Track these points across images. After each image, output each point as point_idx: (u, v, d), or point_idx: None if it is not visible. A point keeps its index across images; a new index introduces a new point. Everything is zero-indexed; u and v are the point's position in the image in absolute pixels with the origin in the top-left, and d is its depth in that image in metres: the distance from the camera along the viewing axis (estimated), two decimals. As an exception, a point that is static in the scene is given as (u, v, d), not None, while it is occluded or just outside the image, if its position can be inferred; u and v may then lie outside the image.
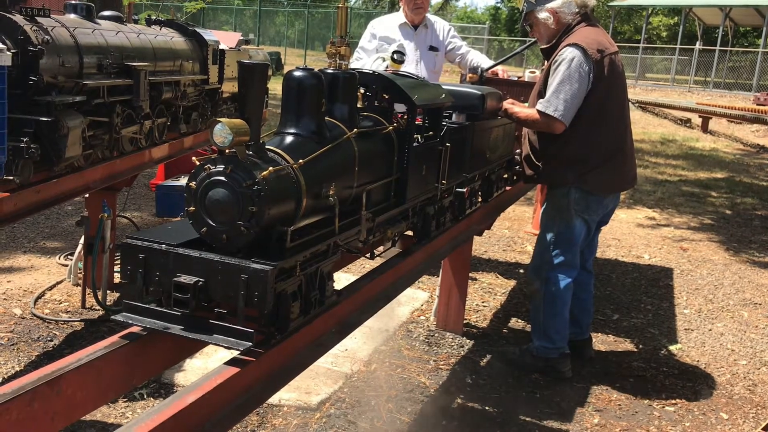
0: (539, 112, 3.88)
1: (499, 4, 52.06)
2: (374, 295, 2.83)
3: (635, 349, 4.71)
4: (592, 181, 4.00)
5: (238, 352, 1.97)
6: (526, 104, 4.22)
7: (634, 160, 4.28)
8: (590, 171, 3.97)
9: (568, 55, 3.83)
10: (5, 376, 3.66)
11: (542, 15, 4.00)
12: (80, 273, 4.85)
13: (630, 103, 4.21)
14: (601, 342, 4.73)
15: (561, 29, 4.00)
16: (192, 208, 2.03)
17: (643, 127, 17.89)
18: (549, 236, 4.14)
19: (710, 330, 5.16)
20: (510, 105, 4.08)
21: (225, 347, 1.94)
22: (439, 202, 3.34)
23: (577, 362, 4.32)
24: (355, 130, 2.50)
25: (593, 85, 3.86)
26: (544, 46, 4.09)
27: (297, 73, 2.32)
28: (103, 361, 1.89)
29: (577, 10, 3.97)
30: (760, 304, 5.79)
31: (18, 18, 3.49)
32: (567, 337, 4.21)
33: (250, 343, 1.94)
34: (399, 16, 5.27)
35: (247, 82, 2.05)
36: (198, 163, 2.04)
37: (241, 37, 8.69)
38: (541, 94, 3.98)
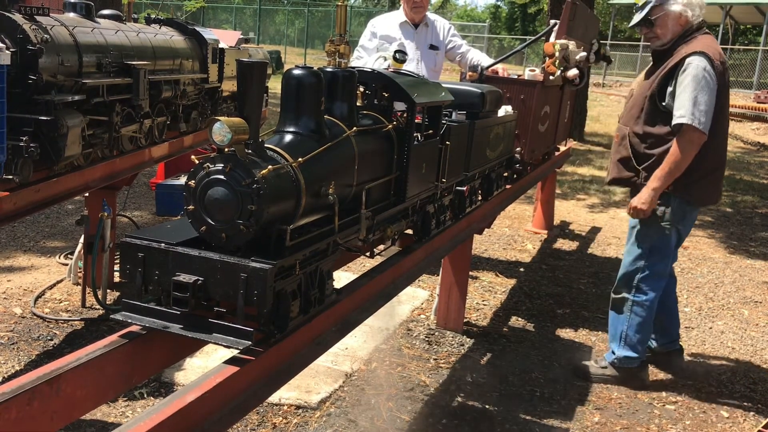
0: (684, 125, 3.70)
1: (499, 3, 52.04)
2: (374, 294, 2.83)
3: (636, 348, 4.71)
4: (695, 193, 3.92)
5: (238, 351, 1.96)
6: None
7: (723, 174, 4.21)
8: (693, 182, 3.88)
9: (698, 63, 3.71)
10: (5, 375, 3.66)
11: (676, 8, 3.86)
12: (80, 272, 4.85)
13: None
14: (602, 340, 4.72)
15: (684, 30, 3.89)
16: (191, 207, 2.02)
17: (643, 125, 17.84)
18: (643, 246, 4.03)
19: (711, 328, 5.16)
20: (648, 193, 3.87)
21: (224, 346, 1.94)
22: (439, 201, 3.34)
23: (667, 372, 4.32)
24: (355, 128, 2.49)
25: None
26: (660, 48, 3.97)
27: (296, 72, 2.31)
28: (102, 360, 1.89)
29: (699, 13, 3.89)
30: (760, 302, 5.79)
31: (17, 17, 3.48)
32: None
33: (250, 342, 1.94)
34: (399, 15, 5.26)
35: (247, 80, 2.05)
36: (197, 161, 2.04)
37: (241, 36, 8.69)
38: (653, 99, 3.87)
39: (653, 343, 4.39)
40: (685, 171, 3.82)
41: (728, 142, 4.21)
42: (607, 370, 4.16)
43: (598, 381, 4.15)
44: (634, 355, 4.09)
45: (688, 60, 3.75)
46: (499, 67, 5.03)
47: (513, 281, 5.83)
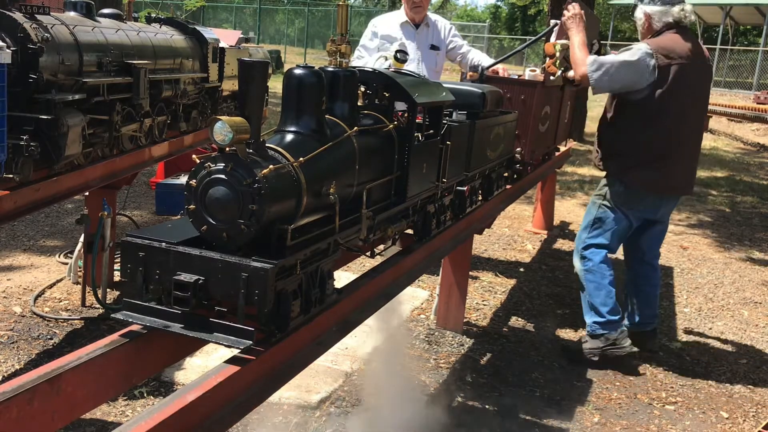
0: (588, 66, 4.14)
1: (499, 3, 52.02)
2: (374, 294, 2.82)
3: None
4: (631, 177, 4.22)
5: (239, 350, 1.96)
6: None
7: (690, 167, 4.42)
8: (632, 167, 4.20)
9: (638, 46, 4.10)
10: (5, 375, 3.66)
11: (637, 14, 4.33)
12: (80, 271, 4.85)
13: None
14: (602, 341, 4.72)
15: (649, 34, 4.24)
16: (192, 207, 2.02)
17: (643, 125, 17.84)
18: (588, 219, 4.41)
19: (710, 329, 5.16)
20: (576, 29, 4.35)
21: (225, 346, 1.94)
22: (439, 201, 3.34)
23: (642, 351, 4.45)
24: (356, 128, 2.49)
25: (651, 89, 4.05)
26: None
27: (297, 71, 2.31)
28: (103, 359, 1.89)
29: (670, 20, 4.19)
30: (760, 303, 5.79)
31: (18, 16, 3.48)
32: (618, 311, 4.33)
33: (251, 342, 1.93)
34: (400, 15, 5.26)
35: (248, 80, 2.05)
36: (198, 161, 2.03)
37: (241, 35, 8.69)
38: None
39: (626, 323, 4.53)
40: (623, 154, 4.26)
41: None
42: (587, 344, 4.34)
43: (586, 355, 4.31)
44: (601, 319, 4.29)
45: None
46: (500, 67, 5.02)
47: (513, 281, 5.83)
